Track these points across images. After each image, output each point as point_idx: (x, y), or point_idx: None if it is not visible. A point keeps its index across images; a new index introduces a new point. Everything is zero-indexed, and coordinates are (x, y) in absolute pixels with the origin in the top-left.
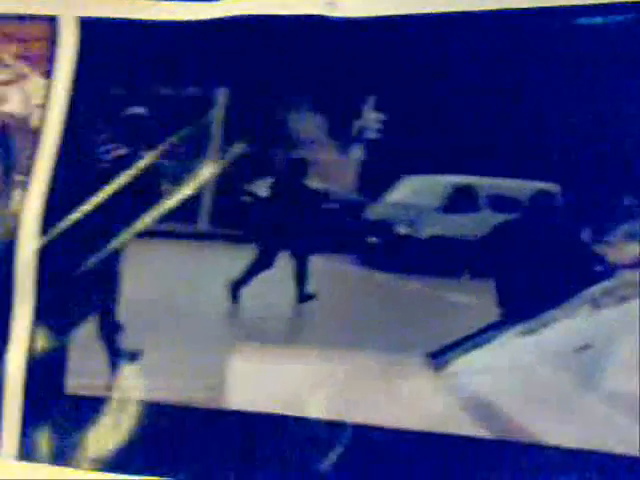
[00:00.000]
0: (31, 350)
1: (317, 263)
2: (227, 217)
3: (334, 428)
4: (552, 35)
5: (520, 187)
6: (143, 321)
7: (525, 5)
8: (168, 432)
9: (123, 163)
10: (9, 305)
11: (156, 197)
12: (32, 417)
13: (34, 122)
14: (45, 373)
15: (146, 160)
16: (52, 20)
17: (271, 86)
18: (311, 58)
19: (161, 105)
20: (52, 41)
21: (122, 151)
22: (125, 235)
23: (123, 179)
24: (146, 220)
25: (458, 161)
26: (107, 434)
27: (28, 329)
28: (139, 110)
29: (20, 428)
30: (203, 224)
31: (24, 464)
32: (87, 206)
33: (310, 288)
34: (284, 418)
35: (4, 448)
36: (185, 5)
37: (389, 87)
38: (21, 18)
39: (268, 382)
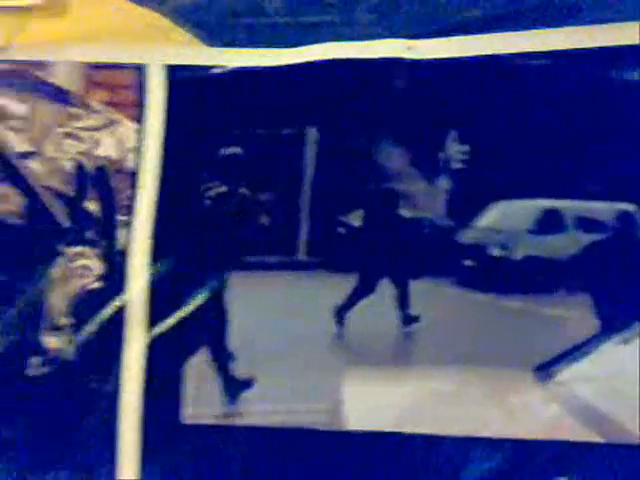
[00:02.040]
0: (147, 380)
1: (417, 287)
2: (324, 247)
3: (466, 444)
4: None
5: (603, 209)
6: (253, 349)
7: (598, 45)
8: (288, 455)
9: (224, 200)
10: (121, 337)
11: (256, 230)
12: (150, 446)
13: (129, 164)
14: (161, 403)
15: (245, 196)
16: (139, 68)
17: (359, 124)
18: (394, 97)
19: (256, 145)
20: (140, 87)
21: (222, 189)
22: (229, 268)
23: (224, 215)
24: (247, 253)
25: (543, 186)
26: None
27: (142, 358)
28: (235, 150)
29: (139, 457)
30: (301, 255)
31: None
32: (192, 241)
33: (413, 311)
34: (412, 437)
35: (123, 477)
36: (271, 51)
37: (470, 121)
38: (110, 67)
39: (381, 401)
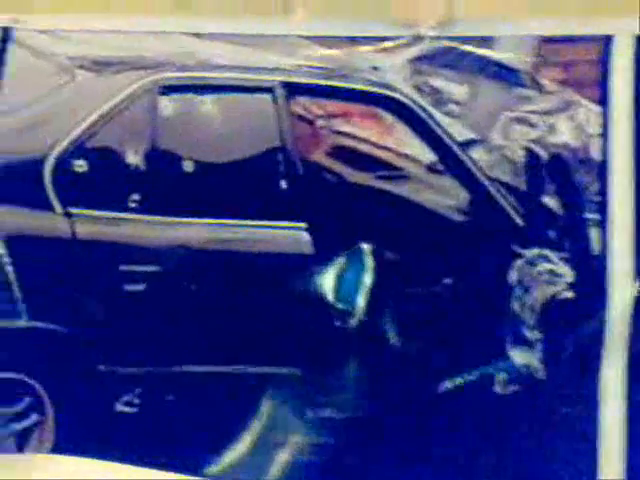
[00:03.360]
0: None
1: None
2: None
3: None
4: None
5: None
6: None
7: None
8: None
9: None
10: (599, 355)
11: None
12: None
13: (594, 154)
14: None
15: None
16: (602, 40)
17: None
18: None
19: None
20: (602, 63)
21: None
22: None
23: None
24: None
25: None
26: None
27: (622, 381)
28: None
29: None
30: None
31: None
32: None
33: None
34: None
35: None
36: None
37: None
38: (565, 40)
39: None
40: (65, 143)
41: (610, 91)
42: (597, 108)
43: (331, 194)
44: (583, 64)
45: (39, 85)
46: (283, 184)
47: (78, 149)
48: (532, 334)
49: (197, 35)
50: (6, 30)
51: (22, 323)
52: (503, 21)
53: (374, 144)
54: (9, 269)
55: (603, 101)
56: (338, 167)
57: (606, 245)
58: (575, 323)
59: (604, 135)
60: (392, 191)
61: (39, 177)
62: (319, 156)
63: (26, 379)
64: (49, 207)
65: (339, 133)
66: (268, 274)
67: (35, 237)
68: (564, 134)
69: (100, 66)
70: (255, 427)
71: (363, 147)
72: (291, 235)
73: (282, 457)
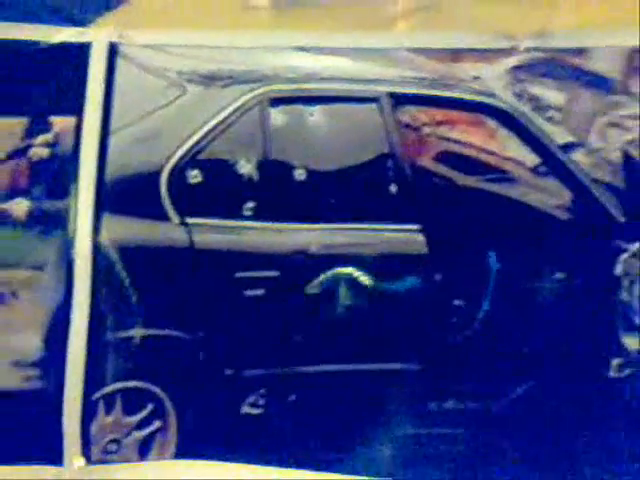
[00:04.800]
0: None
1: None
2: None
3: None
4: None
5: None
6: None
7: None
8: None
9: None
10: None
11: None
12: None
13: None
14: None
15: None
16: None
17: None
18: None
19: None
20: None
21: None
22: None
23: None
24: None
25: None
26: None
27: None
28: None
29: None
30: None
31: None
32: None
33: None
34: None
35: None
36: None
37: None
38: None
39: None
40: (179, 155)
41: None
42: None
43: (442, 197)
44: None
45: (150, 100)
46: (393, 188)
47: (192, 160)
48: None
49: (302, 49)
50: (113, 45)
51: (141, 332)
52: (594, 33)
53: (479, 149)
54: (125, 280)
55: None
56: (446, 171)
57: None
58: None
59: None
60: (501, 193)
61: (155, 189)
62: (427, 161)
63: (149, 386)
64: (166, 217)
65: (445, 139)
66: (386, 274)
67: (152, 247)
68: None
69: (209, 80)
70: (379, 422)
71: (469, 152)
72: (406, 237)
73: (407, 450)
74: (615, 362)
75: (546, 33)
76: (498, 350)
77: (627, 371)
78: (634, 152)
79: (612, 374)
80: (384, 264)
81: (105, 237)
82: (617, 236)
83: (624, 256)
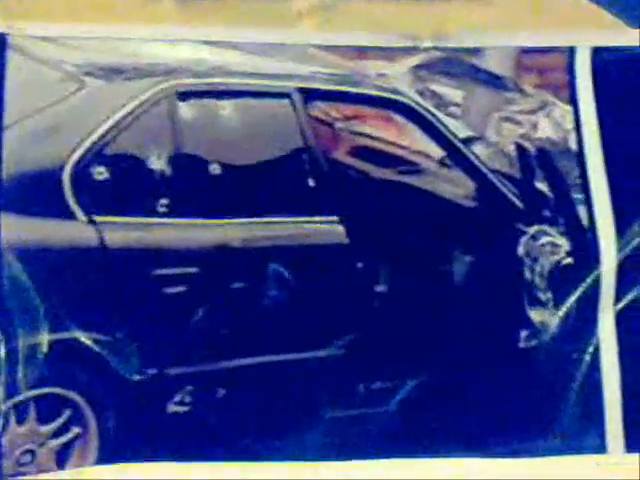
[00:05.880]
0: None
1: None
2: None
3: None
4: None
5: None
6: None
7: None
8: None
9: None
10: (596, 310)
11: None
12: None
13: (571, 145)
14: None
15: None
16: (567, 51)
17: None
18: None
19: None
20: (569, 69)
21: None
22: None
23: None
24: None
25: None
26: None
27: (613, 331)
28: None
29: (622, 427)
30: None
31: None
32: None
33: None
34: None
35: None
36: None
37: None
38: (539, 50)
39: None
40: (82, 150)
41: (576, 93)
42: (568, 107)
43: (358, 188)
44: (554, 70)
45: (45, 93)
46: (310, 182)
47: (97, 156)
48: (544, 296)
49: (207, 42)
50: (1, 37)
51: (49, 337)
52: (488, 34)
53: (390, 143)
54: (29, 284)
55: (573, 101)
56: (361, 165)
57: (592, 217)
58: (576, 283)
59: (577, 129)
60: (412, 184)
61: (58, 186)
62: (342, 155)
63: (65, 392)
64: (71, 216)
65: (358, 134)
66: (309, 265)
67: (57, 248)
68: (545, 130)
69: (110, 73)
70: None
71: (381, 146)
72: (326, 228)
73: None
74: (523, 334)
75: (442, 34)
76: (418, 330)
77: (534, 342)
78: (526, 144)
79: (522, 345)
80: (306, 255)
81: (4, 239)
82: (517, 220)
83: (524, 238)
